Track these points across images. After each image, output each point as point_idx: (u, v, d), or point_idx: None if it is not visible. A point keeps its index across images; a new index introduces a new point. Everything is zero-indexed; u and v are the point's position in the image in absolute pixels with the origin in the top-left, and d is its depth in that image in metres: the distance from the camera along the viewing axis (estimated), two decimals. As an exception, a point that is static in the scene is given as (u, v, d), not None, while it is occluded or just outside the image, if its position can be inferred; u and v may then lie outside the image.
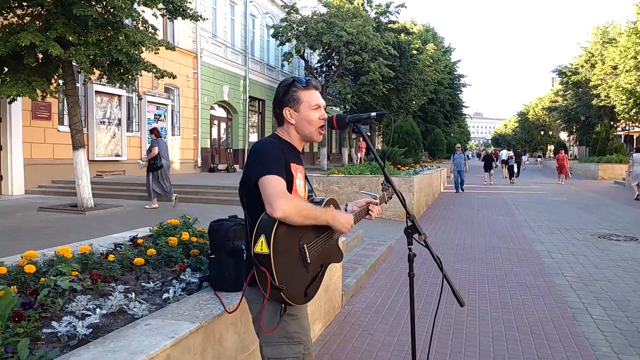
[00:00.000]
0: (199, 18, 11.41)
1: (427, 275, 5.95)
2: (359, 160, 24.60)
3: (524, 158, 31.10)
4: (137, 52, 9.89)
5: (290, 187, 1.97)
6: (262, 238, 1.82)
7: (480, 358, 3.71)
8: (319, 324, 4.08)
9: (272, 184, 1.85)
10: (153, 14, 10.64)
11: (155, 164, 10.67)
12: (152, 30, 10.57)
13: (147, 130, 17.65)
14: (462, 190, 18.15)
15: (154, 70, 10.50)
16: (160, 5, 10.39)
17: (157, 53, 10.80)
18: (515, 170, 25.75)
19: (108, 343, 1.99)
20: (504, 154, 27.40)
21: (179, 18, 11.10)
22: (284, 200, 1.82)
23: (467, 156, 19.85)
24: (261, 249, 1.82)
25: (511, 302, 5.07)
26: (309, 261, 1.95)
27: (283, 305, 1.93)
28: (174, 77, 11.26)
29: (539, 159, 52.55)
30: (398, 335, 4.12)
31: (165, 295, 2.72)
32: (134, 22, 10.27)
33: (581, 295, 5.35)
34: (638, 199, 15.73)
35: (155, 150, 10.69)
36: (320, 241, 2.05)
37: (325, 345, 3.89)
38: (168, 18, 11.32)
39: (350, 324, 4.39)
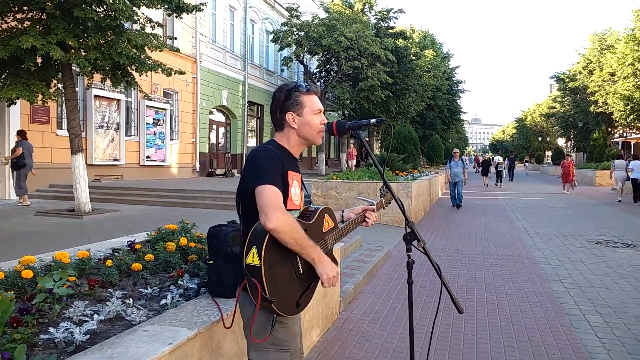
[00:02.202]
0: (202, 6, 11.49)
1: (425, 282, 5.94)
2: (351, 168, 24.32)
3: (505, 163, 33.39)
4: (139, 55, 9.91)
5: (285, 195, 1.96)
6: (254, 249, 1.82)
7: (478, 365, 3.70)
8: (316, 330, 4.07)
9: (269, 194, 1.84)
10: (156, 18, 10.66)
11: (18, 163, 11.50)
12: (155, 30, 10.60)
13: (145, 134, 17.70)
14: (459, 205, 14.71)
15: (161, 69, 10.50)
16: (161, 6, 10.40)
17: (162, 51, 10.81)
18: (504, 175, 28.92)
19: (105, 349, 1.98)
20: (495, 160, 30.30)
21: (180, 20, 11.14)
22: (280, 212, 1.80)
23: (465, 162, 16.15)
24: (252, 261, 1.82)
25: (509, 309, 5.06)
26: (301, 272, 1.95)
27: (274, 315, 1.92)
28: (183, 73, 11.30)
29: (526, 164, 53.62)
30: (396, 341, 4.11)
31: (163, 301, 2.71)
32: (135, 24, 10.27)
33: (578, 301, 5.35)
34: (621, 201, 17.24)
35: (19, 150, 11.45)
36: None
37: (323, 352, 3.88)
38: (169, 14, 11.29)
39: (348, 330, 4.38)
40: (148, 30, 10.43)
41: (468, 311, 4.92)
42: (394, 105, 27.45)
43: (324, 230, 2.12)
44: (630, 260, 7.56)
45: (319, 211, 2.12)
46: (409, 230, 2.15)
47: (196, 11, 11.30)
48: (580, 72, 41.49)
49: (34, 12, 9.45)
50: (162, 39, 11.17)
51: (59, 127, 14.07)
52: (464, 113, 52.91)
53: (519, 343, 4.13)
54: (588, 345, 4.10)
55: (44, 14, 9.23)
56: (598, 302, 5.32)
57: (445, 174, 16.71)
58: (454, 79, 44.11)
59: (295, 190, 2.04)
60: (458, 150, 15.91)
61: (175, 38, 13.02)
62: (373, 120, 2.19)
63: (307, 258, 1.92)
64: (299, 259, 1.93)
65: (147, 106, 17.62)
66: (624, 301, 5.37)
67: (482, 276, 6.45)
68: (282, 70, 27.18)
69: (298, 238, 1.85)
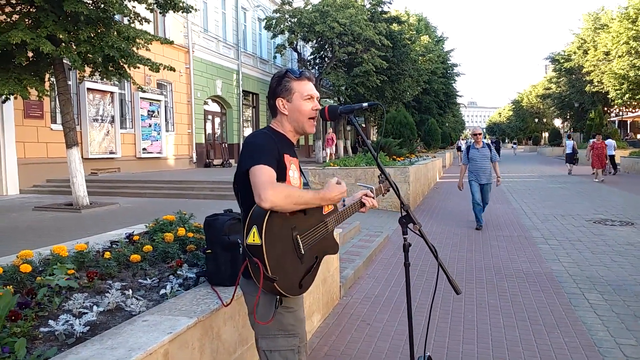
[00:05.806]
0: (190, 10, 11.26)
1: (424, 265, 5.97)
2: (328, 157, 23.67)
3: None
4: (130, 47, 9.80)
5: (283, 178, 1.96)
6: (254, 229, 1.82)
7: (478, 345, 3.73)
8: (317, 315, 4.09)
9: (261, 173, 1.84)
10: (146, 8, 10.51)
11: None
12: (145, 23, 10.48)
13: (141, 127, 17.63)
14: (480, 225, 8.62)
15: (149, 64, 10.41)
16: (150, 0, 10.29)
17: (149, 50, 10.70)
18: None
19: (106, 340, 1.99)
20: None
21: (170, 12, 10.96)
22: (271, 189, 1.80)
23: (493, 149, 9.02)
24: (253, 240, 1.81)
25: (508, 289, 5.09)
26: (302, 252, 1.94)
27: (278, 297, 1.92)
28: (173, 70, 11.16)
29: (514, 146, 53.80)
30: (396, 324, 4.14)
31: (162, 291, 2.72)
32: (126, 17, 10.16)
33: (577, 280, 5.38)
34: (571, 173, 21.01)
35: None
36: (314, 232, 2.04)
37: (324, 336, 3.90)
38: (160, 12, 11.17)
39: (348, 315, 4.40)
40: (137, 26, 10.31)
41: (467, 292, 4.94)
42: (390, 90, 27.31)
43: (324, 213, 2.13)
44: (629, 238, 7.59)
45: None
46: (404, 213, 2.15)
47: (182, 12, 11.02)
48: (575, 52, 41.36)
49: (23, 5, 9.33)
50: (152, 34, 11.03)
51: (53, 121, 13.98)
52: (460, 96, 52.75)
53: (519, 323, 4.15)
54: (587, 322, 4.13)
55: (33, 7, 9.11)
56: (597, 280, 5.35)
57: (460, 172, 9.24)
58: (449, 62, 43.87)
59: (293, 174, 2.05)
60: (481, 131, 9.00)
61: (172, 41, 12.83)
62: (365, 104, 2.18)
63: (316, 205, 1.99)
64: (299, 239, 1.93)
65: (141, 98, 17.52)
66: (623, 279, 5.40)
67: (480, 257, 6.48)
68: (276, 57, 26.98)
69: (296, 200, 1.87)
